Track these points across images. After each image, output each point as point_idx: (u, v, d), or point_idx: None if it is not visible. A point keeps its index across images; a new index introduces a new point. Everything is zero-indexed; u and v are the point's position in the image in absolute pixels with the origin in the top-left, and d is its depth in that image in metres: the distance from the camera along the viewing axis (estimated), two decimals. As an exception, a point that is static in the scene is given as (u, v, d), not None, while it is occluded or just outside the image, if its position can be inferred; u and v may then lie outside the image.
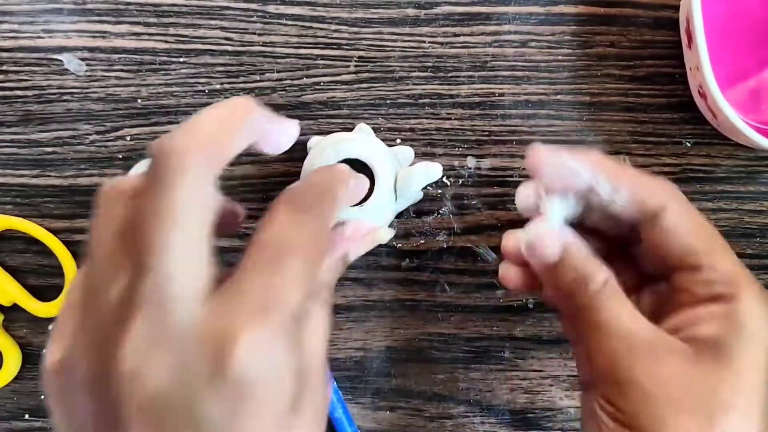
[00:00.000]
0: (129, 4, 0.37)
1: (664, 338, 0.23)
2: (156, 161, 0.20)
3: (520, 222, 0.37)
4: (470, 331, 0.37)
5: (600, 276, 0.24)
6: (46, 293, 0.37)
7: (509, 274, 0.29)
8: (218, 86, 0.37)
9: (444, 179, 0.37)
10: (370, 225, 0.31)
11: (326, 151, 0.31)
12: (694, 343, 0.22)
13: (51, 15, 0.37)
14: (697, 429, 0.21)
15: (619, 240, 0.28)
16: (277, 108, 0.37)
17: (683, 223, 0.25)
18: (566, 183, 0.26)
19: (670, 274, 0.25)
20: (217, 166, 0.20)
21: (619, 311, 0.23)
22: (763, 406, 0.22)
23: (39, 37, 0.37)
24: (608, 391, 0.23)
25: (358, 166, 0.32)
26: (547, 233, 0.26)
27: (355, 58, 0.37)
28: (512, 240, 0.28)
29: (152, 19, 0.37)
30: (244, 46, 0.37)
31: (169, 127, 0.37)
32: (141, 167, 0.36)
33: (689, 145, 0.37)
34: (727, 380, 0.22)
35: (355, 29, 0.37)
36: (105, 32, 0.37)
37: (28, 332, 0.36)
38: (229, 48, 0.37)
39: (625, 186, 0.25)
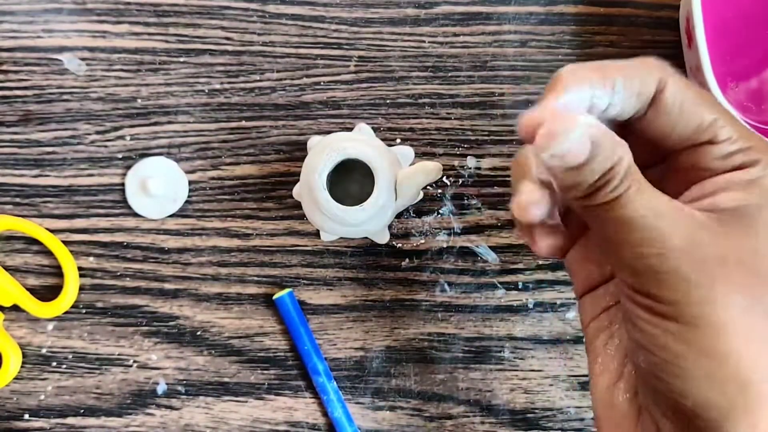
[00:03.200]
0: (129, 4, 0.37)
1: (694, 216, 0.21)
2: None
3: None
4: (470, 331, 0.37)
5: (626, 167, 0.22)
6: (46, 293, 0.37)
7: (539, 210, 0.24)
8: (218, 86, 0.37)
9: (444, 179, 0.37)
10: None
11: (326, 151, 0.31)
12: (717, 214, 0.21)
13: (51, 15, 0.37)
14: (750, 304, 0.20)
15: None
16: (277, 108, 0.37)
17: (687, 98, 0.23)
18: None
19: (672, 155, 0.24)
20: None
21: (648, 199, 0.22)
22: None
23: (39, 37, 0.37)
24: (641, 282, 0.21)
25: (358, 166, 0.32)
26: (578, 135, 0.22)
27: (355, 58, 0.37)
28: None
29: (152, 19, 0.37)
30: (244, 45, 0.37)
31: (169, 126, 0.37)
32: (140, 167, 0.36)
33: (689, 145, 0.37)
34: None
35: (355, 29, 0.37)
36: (105, 32, 0.37)
37: (28, 332, 0.36)
38: (229, 48, 0.37)
39: (619, 85, 0.23)
